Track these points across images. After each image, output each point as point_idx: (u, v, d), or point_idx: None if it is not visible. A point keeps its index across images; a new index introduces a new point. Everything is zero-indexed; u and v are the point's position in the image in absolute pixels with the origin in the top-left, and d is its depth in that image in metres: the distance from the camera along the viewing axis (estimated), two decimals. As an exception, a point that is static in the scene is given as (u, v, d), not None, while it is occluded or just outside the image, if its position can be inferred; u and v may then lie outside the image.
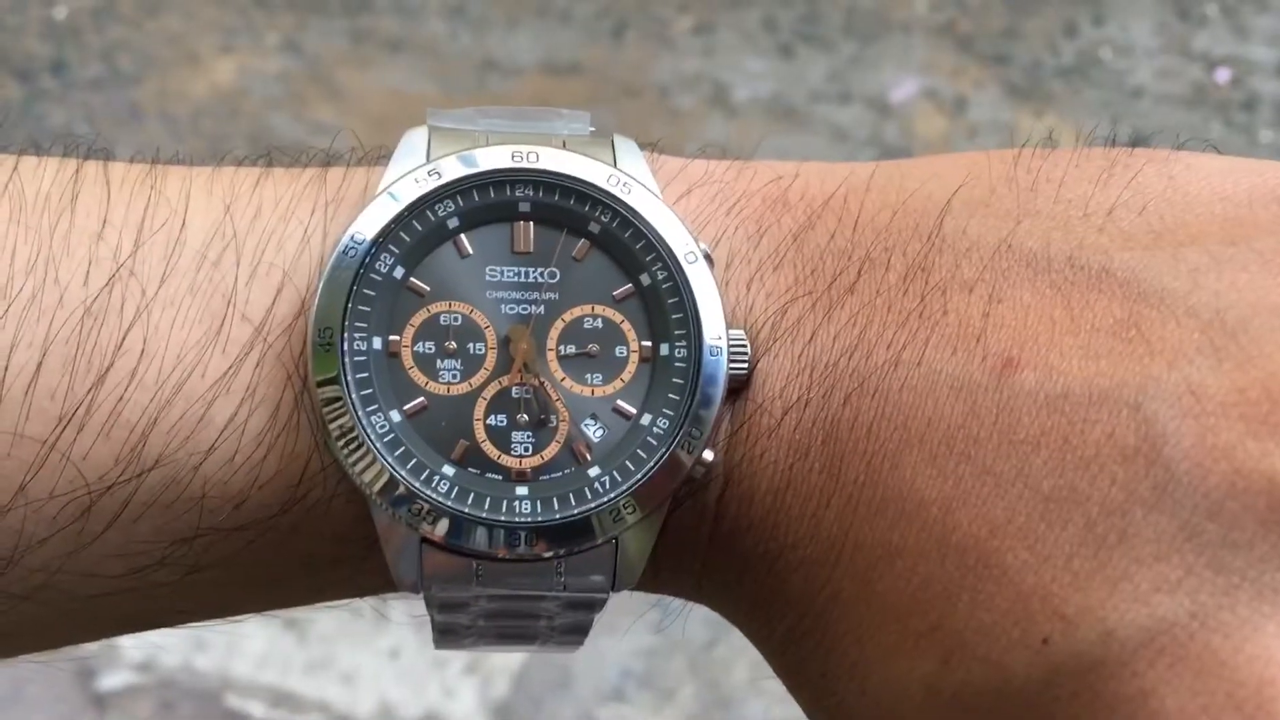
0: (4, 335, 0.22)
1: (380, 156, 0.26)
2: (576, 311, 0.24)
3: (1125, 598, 0.21)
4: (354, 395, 0.23)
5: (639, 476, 0.23)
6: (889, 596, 0.23)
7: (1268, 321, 0.22)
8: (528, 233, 0.24)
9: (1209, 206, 0.24)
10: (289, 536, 0.24)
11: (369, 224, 0.23)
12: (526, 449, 0.24)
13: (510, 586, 0.24)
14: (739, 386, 0.24)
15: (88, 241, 0.23)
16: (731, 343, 0.24)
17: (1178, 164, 0.25)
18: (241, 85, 1.08)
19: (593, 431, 0.24)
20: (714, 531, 0.25)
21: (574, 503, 0.23)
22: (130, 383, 0.23)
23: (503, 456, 0.23)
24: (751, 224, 0.25)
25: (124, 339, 0.23)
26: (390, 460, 0.23)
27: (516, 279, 0.24)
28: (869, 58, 1.13)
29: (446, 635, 0.25)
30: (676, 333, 0.24)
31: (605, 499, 0.23)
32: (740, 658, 0.84)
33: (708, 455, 0.24)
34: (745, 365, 0.24)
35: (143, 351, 0.23)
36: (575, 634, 0.26)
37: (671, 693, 0.86)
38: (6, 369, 0.22)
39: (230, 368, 0.23)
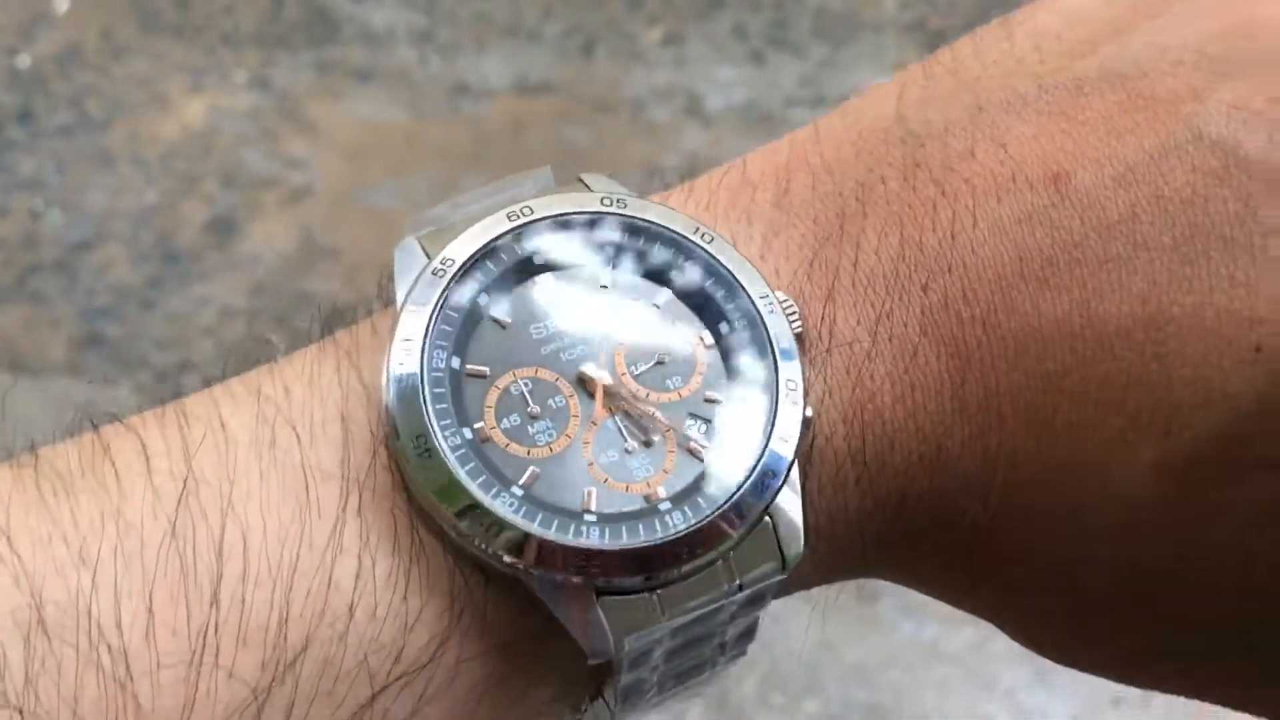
0: (104, 598, 0.21)
1: (372, 301, 0.26)
2: (631, 332, 0.24)
3: None
4: (473, 487, 0.22)
5: (766, 434, 0.23)
6: (1074, 417, 0.23)
7: (1242, 40, 0.25)
8: (551, 284, 0.25)
9: (1111, 6, 0.27)
10: (461, 668, 0.23)
11: (413, 329, 0.23)
12: (649, 470, 0.24)
13: (690, 607, 0.23)
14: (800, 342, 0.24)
15: (140, 480, 0.22)
16: (780, 303, 0.24)
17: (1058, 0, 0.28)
18: (212, 124, 1.08)
19: (696, 429, 0.24)
20: (860, 475, 0.24)
21: (716, 492, 0.23)
22: (245, 585, 0.22)
23: (630, 487, 0.23)
24: (732, 211, 0.26)
25: (221, 545, 0.22)
26: (535, 527, 0.22)
27: (559, 328, 0.24)
28: (841, 60, 1.12)
29: (630, 698, 0.25)
30: (727, 306, 0.24)
31: (740, 477, 0.23)
32: (749, 673, 0.83)
33: (808, 412, 0.24)
34: (798, 319, 0.24)
35: (244, 549, 0.22)
36: (743, 641, 0.25)
37: (681, 713, 0.84)
38: (119, 625, 0.21)
39: (334, 526, 0.22)
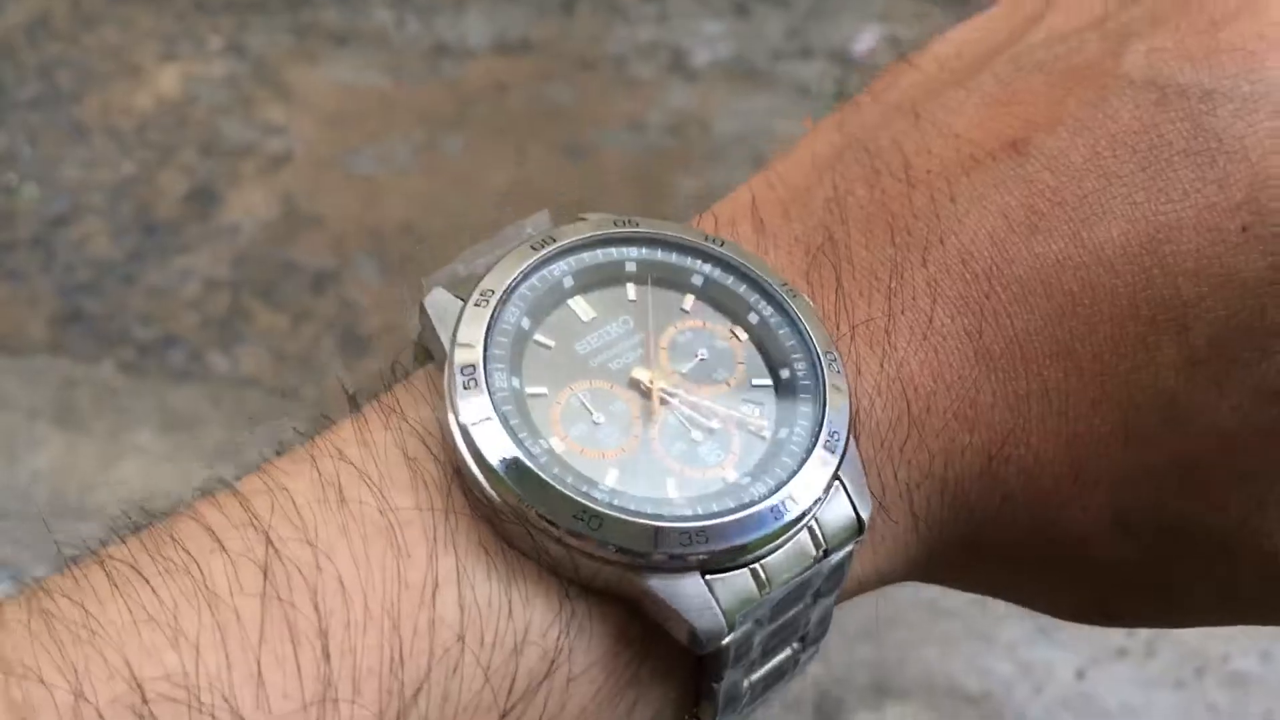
0: (207, 672, 0.20)
1: (392, 370, 0.26)
2: (667, 334, 0.25)
3: None
4: (572, 493, 0.23)
5: (820, 401, 0.24)
6: (1093, 339, 0.25)
7: (1130, 6, 0.27)
8: (583, 305, 0.26)
9: (991, 27, 0.29)
10: (573, 687, 0.23)
11: (470, 357, 0.24)
12: (719, 456, 0.24)
13: (787, 578, 0.24)
14: None
15: (216, 555, 0.22)
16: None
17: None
18: (187, 93, 1.06)
19: (752, 412, 0.25)
20: (904, 441, 0.25)
21: (788, 460, 0.24)
22: (350, 634, 0.21)
23: (706, 472, 0.24)
24: (746, 225, 0.27)
25: (318, 601, 0.21)
26: (638, 517, 0.23)
27: (601, 341, 0.25)
28: (827, 10, 1.11)
29: (729, 706, 0.25)
30: (751, 299, 0.26)
31: (808, 442, 0.24)
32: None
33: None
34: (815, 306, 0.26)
35: (344, 601, 0.21)
36: (820, 629, 0.26)
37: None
38: (229, 698, 0.20)
39: (427, 562, 0.22)
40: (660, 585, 0.23)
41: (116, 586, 0.21)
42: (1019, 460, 0.26)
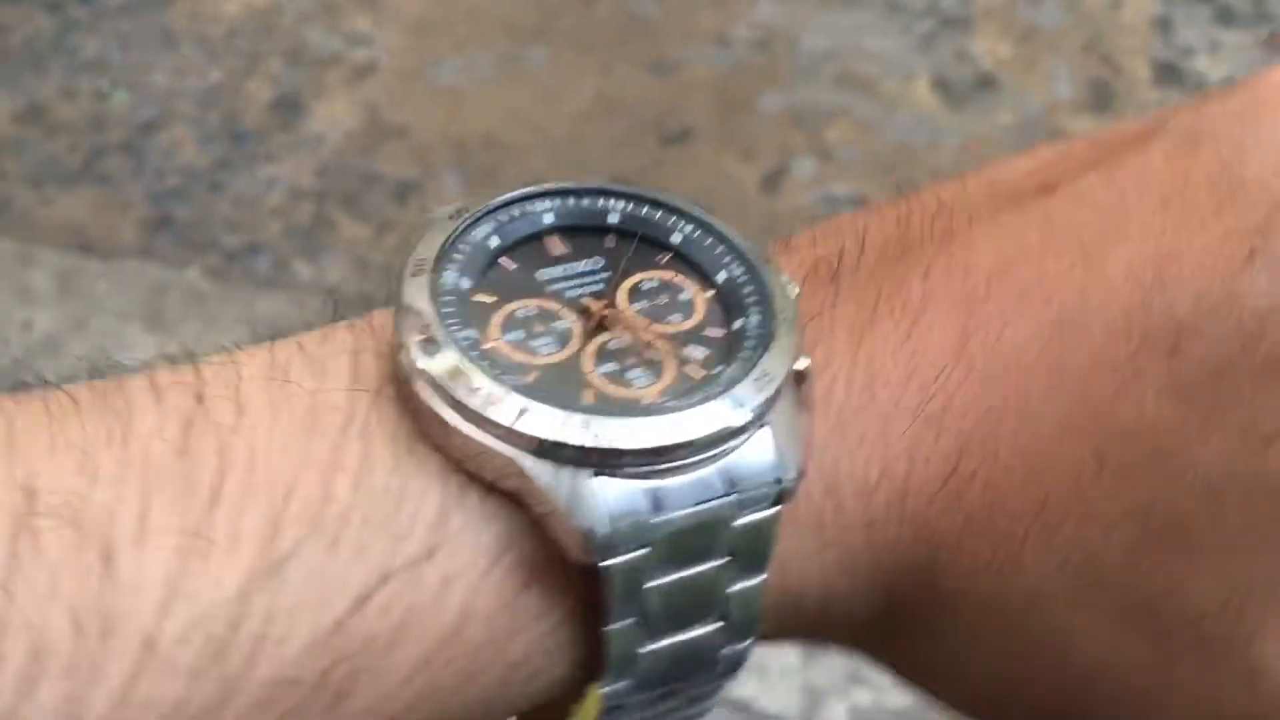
0: (100, 499, 0.22)
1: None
2: (635, 278, 0.25)
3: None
4: (476, 370, 0.23)
5: (759, 351, 0.24)
6: (1084, 355, 0.24)
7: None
8: (557, 241, 0.26)
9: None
10: (447, 590, 0.23)
11: (426, 252, 0.25)
12: (647, 380, 0.24)
13: (685, 510, 0.23)
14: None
15: (151, 407, 0.23)
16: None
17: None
18: (274, 1, 1.06)
19: (696, 353, 0.25)
20: (863, 434, 0.25)
21: (710, 388, 0.24)
22: (242, 496, 0.22)
23: (628, 390, 0.24)
24: (773, 243, 0.27)
25: (223, 462, 0.22)
26: (533, 401, 0.23)
27: (566, 272, 0.26)
28: (922, -77, 1.08)
29: (627, 669, 0.24)
30: (725, 259, 0.26)
31: (737, 378, 0.24)
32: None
33: (802, 362, 0.24)
34: (796, 289, 0.25)
35: (248, 465, 0.23)
36: (747, 613, 0.25)
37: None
38: (112, 522, 0.22)
39: (338, 439, 0.23)
40: (545, 473, 0.23)
41: (50, 415, 0.22)
42: (985, 476, 0.25)
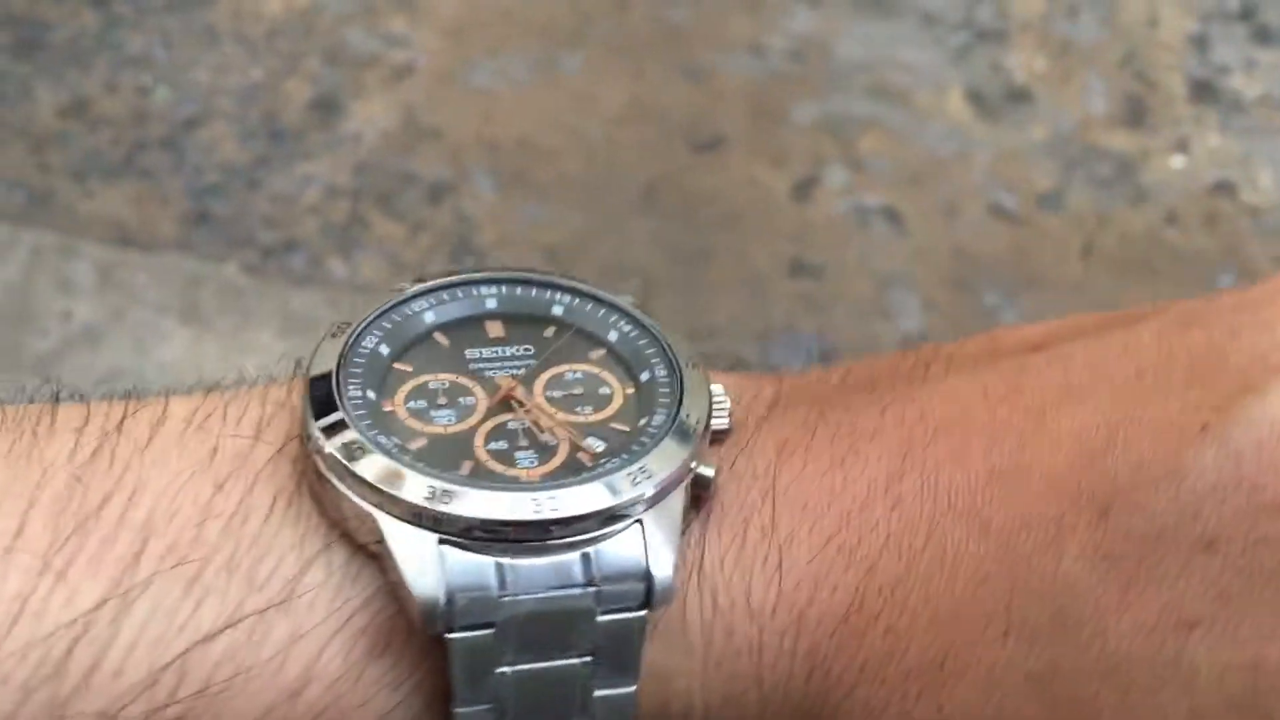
0: None
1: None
2: (559, 369, 0.26)
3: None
4: (358, 425, 0.24)
5: (648, 447, 0.24)
6: (1015, 510, 0.24)
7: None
8: (497, 326, 0.27)
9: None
10: (294, 648, 0.23)
11: (355, 318, 0.26)
12: (532, 462, 0.24)
13: (532, 593, 0.23)
14: (719, 439, 0.25)
15: (71, 433, 0.24)
16: (713, 398, 0.25)
17: None
18: (314, 1, 1.07)
19: (594, 443, 0.25)
20: (770, 553, 0.24)
21: (584, 475, 0.24)
22: (117, 526, 0.23)
23: (509, 469, 0.24)
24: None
25: (111, 492, 0.23)
26: (393, 460, 0.23)
27: (496, 354, 0.26)
28: (959, -65, 1.08)
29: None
30: (653, 360, 0.26)
31: (615, 469, 0.23)
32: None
33: (707, 470, 0.24)
34: (725, 413, 0.25)
35: (129, 497, 0.23)
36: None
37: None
38: None
39: (222, 484, 0.24)
40: (399, 536, 0.23)
41: None
42: (889, 620, 0.24)
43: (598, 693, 0.25)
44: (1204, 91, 1.14)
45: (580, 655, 0.24)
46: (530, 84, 1.14)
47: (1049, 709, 0.23)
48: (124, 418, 0.24)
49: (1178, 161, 1.01)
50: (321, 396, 0.24)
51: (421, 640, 0.24)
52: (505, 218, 0.96)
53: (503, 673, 0.24)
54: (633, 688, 0.24)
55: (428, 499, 0.23)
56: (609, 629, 0.24)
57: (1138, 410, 0.24)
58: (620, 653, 0.24)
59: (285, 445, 0.25)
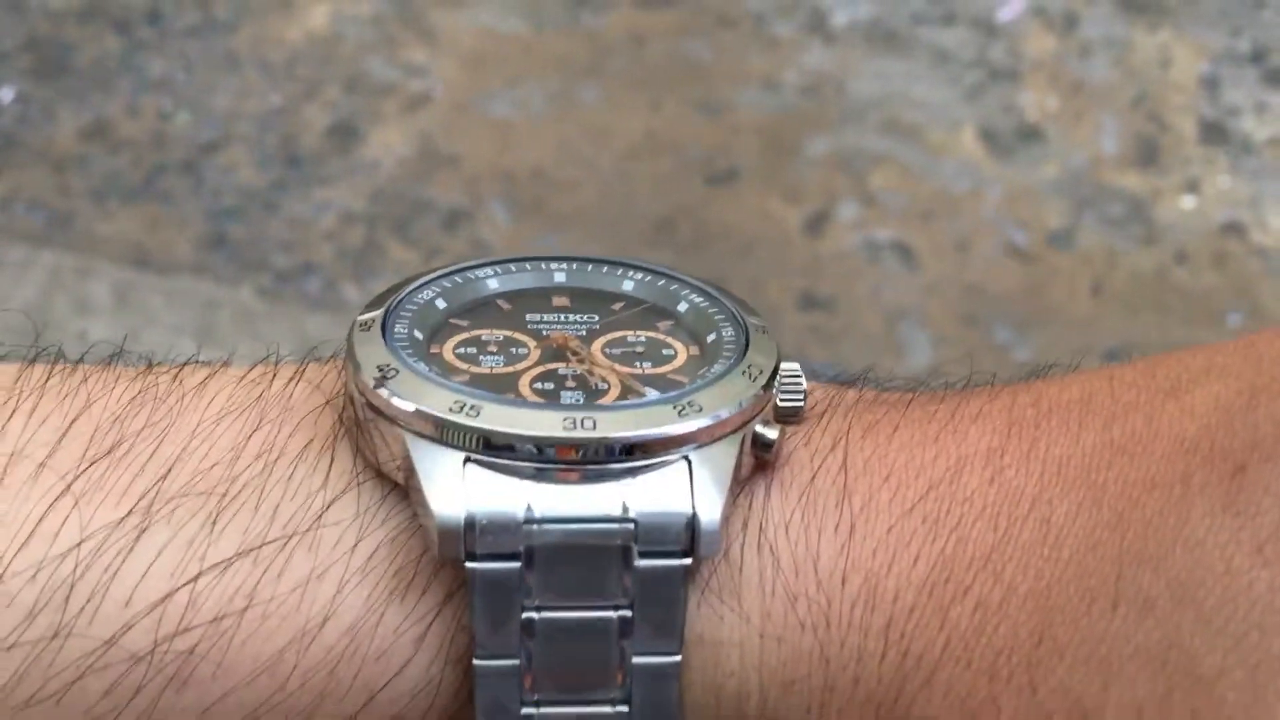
0: (33, 442, 0.24)
1: None
2: (622, 333, 0.24)
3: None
4: (399, 355, 0.22)
5: (700, 386, 0.22)
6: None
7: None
8: (563, 298, 0.25)
9: None
10: (349, 591, 0.22)
11: (422, 276, 0.25)
12: (579, 400, 0.22)
13: (559, 522, 0.21)
14: (794, 416, 0.23)
15: (108, 389, 0.24)
16: (784, 373, 0.23)
17: None
18: (335, 30, 1.08)
19: (651, 391, 0.23)
20: (840, 521, 0.23)
21: (628, 403, 0.22)
22: (154, 461, 0.23)
23: (551, 398, 0.23)
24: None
25: (158, 435, 0.23)
26: (428, 381, 0.22)
27: (558, 319, 0.24)
28: (973, -25, 1.09)
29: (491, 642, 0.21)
30: (721, 324, 0.24)
31: (663, 402, 0.22)
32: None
33: (769, 431, 0.22)
34: (801, 393, 0.23)
35: (177, 441, 0.23)
36: (647, 694, 0.22)
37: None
38: (30, 454, 0.23)
39: (269, 432, 0.23)
40: (424, 455, 0.21)
41: (18, 388, 0.24)
42: (980, 593, 0.21)
43: (636, 659, 0.21)
44: (1215, 133, 1.15)
45: (615, 605, 0.21)
46: (547, 115, 1.14)
47: (1164, 688, 0.20)
48: (179, 372, 0.24)
49: (1188, 202, 1.02)
50: (366, 329, 0.23)
51: (445, 585, 0.21)
52: (520, 246, 0.97)
53: (529, 619, 0.21)
54: (676, 656, 0.21)
55: (453, 410, 0.21)
56: (647, 575, 0.21)
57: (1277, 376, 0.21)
58: (660, 607, 0.21)
59: (331, 400, 0.24)
